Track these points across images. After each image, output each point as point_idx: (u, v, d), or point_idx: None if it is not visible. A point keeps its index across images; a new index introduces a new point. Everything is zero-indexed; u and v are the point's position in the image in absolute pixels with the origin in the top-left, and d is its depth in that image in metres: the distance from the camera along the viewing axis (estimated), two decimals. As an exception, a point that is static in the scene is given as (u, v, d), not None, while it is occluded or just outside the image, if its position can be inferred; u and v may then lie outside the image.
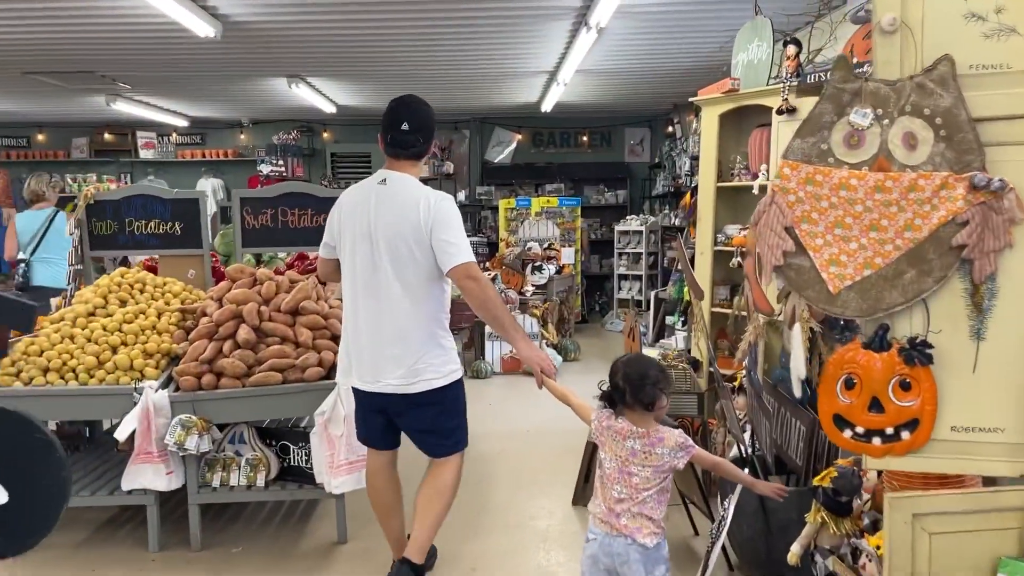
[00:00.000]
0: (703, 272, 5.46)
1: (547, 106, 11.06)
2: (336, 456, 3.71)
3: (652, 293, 8.94)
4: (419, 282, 3.08)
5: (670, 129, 12.41)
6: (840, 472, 2.61)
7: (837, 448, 2.96)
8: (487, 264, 8.83)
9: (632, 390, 2.60)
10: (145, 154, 12.94)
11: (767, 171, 5.03)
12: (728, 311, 5.43)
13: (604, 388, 2.77)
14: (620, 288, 11.12)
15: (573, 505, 4.47)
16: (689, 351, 5.81)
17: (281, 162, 11.45)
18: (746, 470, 3.14)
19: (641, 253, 10.85)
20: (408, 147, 3.15)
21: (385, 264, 3.05)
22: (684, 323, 5.72)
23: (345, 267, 3.20)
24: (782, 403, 3.47)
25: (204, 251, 4.73)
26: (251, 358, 3.84)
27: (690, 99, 5.52)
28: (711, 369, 3.94)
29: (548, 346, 8.19)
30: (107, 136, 12.85)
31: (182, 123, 12.57)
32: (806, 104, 4.59)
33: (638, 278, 10.99)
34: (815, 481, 2.73)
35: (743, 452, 3.55)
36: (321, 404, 3.73)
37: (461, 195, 11.90)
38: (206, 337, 3.92)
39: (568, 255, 9.25)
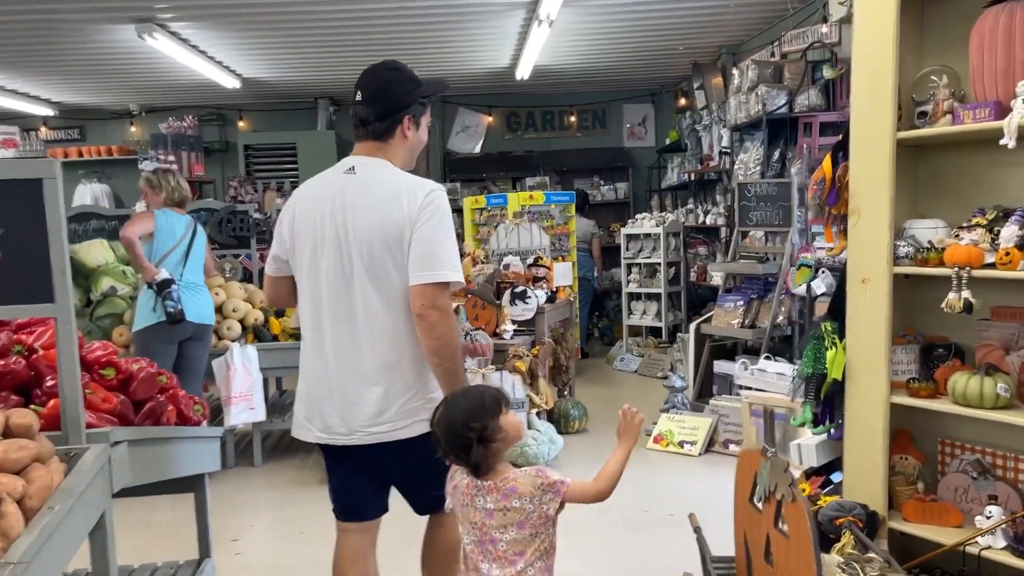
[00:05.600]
0: (873, 317, 2.62)
1: (523, 71, 8.26)
2: None
3: (691, 326, 6.12)
4: (406, 298, 2.32)
5: (683, 102, 9.66)
6: None
7: None
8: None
9: (447, 443, 2.06)
10: (4, 154, 9.95)
11: (1032, 96, 2.22)
12: (922, 403, 2.61)
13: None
14: (631, 312, 8.28)
15: None
16: (824, 468, 2.96)
17: (172, 157, 8.54)
18: None
19: (658, 264, 8.02)
20: (363, 124, 2.38)
21: (362, 276, 2.32)
22: (822, 420, 2.84)
23: (304, 285, 2.42)
24: None
25: None
26: None
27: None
28: None
29: (541, 418, 5.33)
30: (-49, 133, 9.87)
31: (48, 112, 9.63)
32: None
33: (654, 297, 8.16)
34: None
35: None
36: None
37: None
38: None
39: (563, 272, 6.41)
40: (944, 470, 2.72)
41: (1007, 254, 2.28)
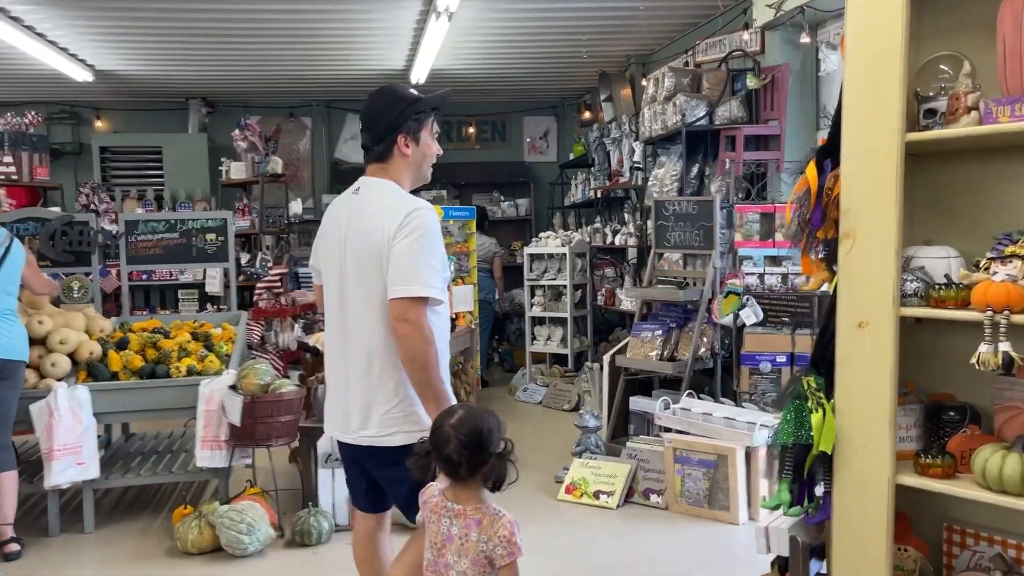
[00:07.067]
0: (873, 372, 2.03)
1: (419, 74, 7.59)
2: None
3: (605, 358, 5.51)
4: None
5: (587, 115, 9.18)
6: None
7: None
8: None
9: (467, 449, 2.03)
10: None
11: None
12: (939, 485, 2.03)
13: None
14: (535, 337, 7.64)
15: None
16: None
17: (9, 159, 7.36)
18: None
19: (564, 286, 7.43)
20: (366, 149, 2.62)
21: (354, 290, 2.54)
22: (799, 501, 2.23)
23: (325, 295, 2.72)
24: None
25: None
26: None
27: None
28: None
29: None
30: None
31: None
32: None
33: (559, 322, 7.56)
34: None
35: None
36: None
37: (297, 206, 8.15)
38: None
39: (463, 296, 5.72)
40: (951, 563, 2.17)
41: (1061, 294, 1.73)
